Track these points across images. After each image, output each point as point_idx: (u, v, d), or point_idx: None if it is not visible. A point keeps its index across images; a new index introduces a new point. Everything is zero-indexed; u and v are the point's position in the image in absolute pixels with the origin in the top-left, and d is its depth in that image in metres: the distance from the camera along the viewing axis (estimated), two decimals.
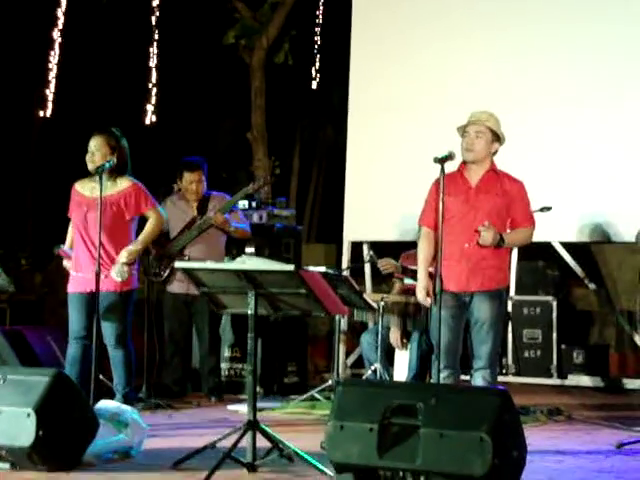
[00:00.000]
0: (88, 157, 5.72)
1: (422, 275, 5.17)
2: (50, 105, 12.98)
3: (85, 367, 5.65)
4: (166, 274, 6.76)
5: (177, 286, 6.79)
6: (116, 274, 5.56)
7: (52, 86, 12.72)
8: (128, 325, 5.77)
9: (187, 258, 6.69)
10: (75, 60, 13.33)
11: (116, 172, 5.68)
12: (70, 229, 5.95)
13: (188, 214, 6.89)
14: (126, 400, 5.60)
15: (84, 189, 5.80)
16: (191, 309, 6.88)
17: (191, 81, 16.06)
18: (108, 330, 5.67)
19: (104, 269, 5.56)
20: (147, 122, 13.11)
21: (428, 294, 5.14)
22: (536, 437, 5.18)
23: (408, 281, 6.81)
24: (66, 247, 5.88)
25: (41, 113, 13.20)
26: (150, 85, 13.34)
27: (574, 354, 7.83)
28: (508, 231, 5.23)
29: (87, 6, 12.54)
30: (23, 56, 14.94)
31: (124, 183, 5.74)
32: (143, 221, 5.88)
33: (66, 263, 5.87)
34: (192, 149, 7.80)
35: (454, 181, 5.16)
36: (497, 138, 5.24)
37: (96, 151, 5.70)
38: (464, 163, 5.26)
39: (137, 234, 5.84)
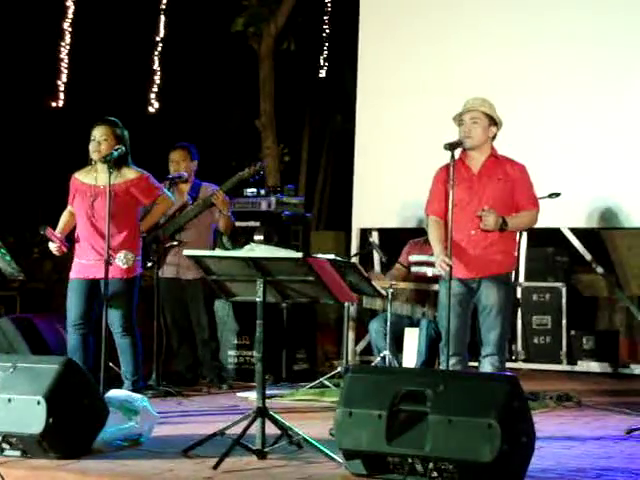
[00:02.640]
0: (93, 146, 5.73)
1: (439, 250, 5.17)
2: (62, 95, 12.99)
3: (86, 356, 5.66)
4: (155, 259, 6.63)
5: (168, 270, 6.76)
6: (121, 261, 5.59)
7: (63, 76, 12.72)
8: (134, 312, 5.78)
9: (177, 243, 6.65)
10: (82, 49, 13.32)
11: (120, 163, 5.68)
12: (64, 216, 5.91)
13: (178, 200, 6.84)
14: (135, 388, 5.63)
15: (87, 178, 5.81)
16: (185, 294, 6.87)
17: (199, 69, 16.03)
18: (114, 317, 5.68)
19: (109, 257, 5.57)
20: (152, 110, 13.11)
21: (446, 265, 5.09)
22: (545, 423, 5.19)
23: (415, 269, 6.82)
24: (56, 231, 5.84)
25: (53, 104, 13.21)
26: (156, 73, 13.33)
27: (583, 340, 7.82)
28: (513, 214, 5.23)
29: None
30: (32, 46, 14.94)
31: (130, 172, 5.76)
32: None
33: (51, 245, 5.80)
34: (201, 137, 7.81)
35: (456, 169, 5.16)
36: (493, 122, 5.24)
37: (103, 141, 5.71)
38: (464, 151, 5.26)
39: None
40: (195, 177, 6.96)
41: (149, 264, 6.51)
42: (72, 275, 5.81)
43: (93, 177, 5.77)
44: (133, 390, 5.51)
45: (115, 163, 5.63)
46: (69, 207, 5.92)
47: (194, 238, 6.69)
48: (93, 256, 5.64)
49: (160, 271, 6.73)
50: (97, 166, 5.73)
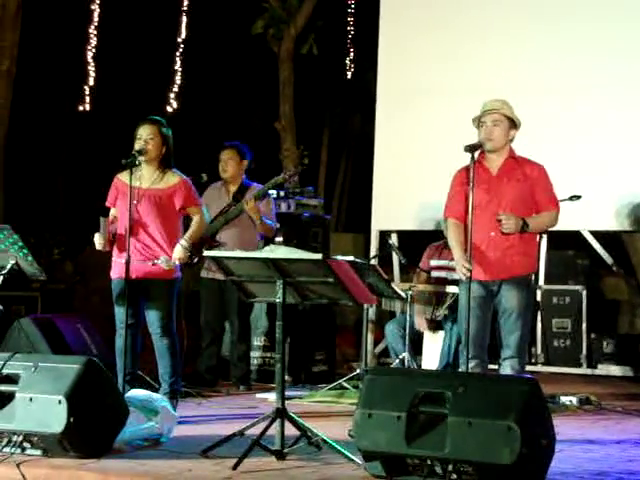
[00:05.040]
0: (140, 146, 5.55)
1: (459, 254, 5.17)
2: (88, 99, 13.07)
3: (135, 357, 5.61)
4: (197, 260, 6.67)
5: (207, 271, 6.81)
6: (163, 262, 5.56)
7: (91, 79, 12.79)
8: (173, 313, 5.68)
9: (217, 244, 6.71)
10: (106, 52, 13.41)
11: (164, 165, 5.62)
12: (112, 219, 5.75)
13: (224, 200, 6.91)
14: (172, 390, 5.57)
15: (130, 181, 5.56)
16: (224, 296, 6.90)
17: (220, 71, 16.08)
18: (154, 318, 5.60)
19: (152, 257, 5.57)
20: (173, 111, 13.17)
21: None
22: (565, 426, 5.16)
23: (436, 274, 6.81)
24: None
25: (80, 108, 13.28)
26: (178, 75, 13.39)
27: (604, 343, 7.79)
28: (533, 215, 5.21)
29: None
30: (58, 50, 15.06)
31: (174, 177, 5.66)
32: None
33: (98, 237, 5.54)
34: (221, 139, 7.82)
35: (475, 171, 5.13)
36: (513, 124, 5.23)
37: (150, 140, 5.57)
38: (482, 153, 5.25)
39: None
40: (246, 177, 6.98)
41: (195, 259, 6.47)
42: (114, 275, 5.68)
43: (136, 179, 5.58)
44: (170, 393, 5.51)
45: (158, 167, 5.60)
46: (113, 210, 5.75)
47: (234, 239, 6.72)
48: (136, 257, 5.55)
49: (203, 273, 6.80)
50: (142, 168, 5.60)
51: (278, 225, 7.00)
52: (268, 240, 6.85)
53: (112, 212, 5.77)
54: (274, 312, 7.06)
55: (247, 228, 6.82)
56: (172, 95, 13.21)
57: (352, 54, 14.27)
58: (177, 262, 5.58)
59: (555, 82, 7.57)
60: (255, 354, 7.28)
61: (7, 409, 4.36)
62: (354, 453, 4.13)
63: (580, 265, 8.29)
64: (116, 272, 5.64)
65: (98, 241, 5.57)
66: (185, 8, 12.71)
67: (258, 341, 7.31)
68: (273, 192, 7.60)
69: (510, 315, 5.18)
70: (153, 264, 5.53)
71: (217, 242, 6.75)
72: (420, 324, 6.64)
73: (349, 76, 14.58)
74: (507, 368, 5.19)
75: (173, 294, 5.66)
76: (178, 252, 5.58)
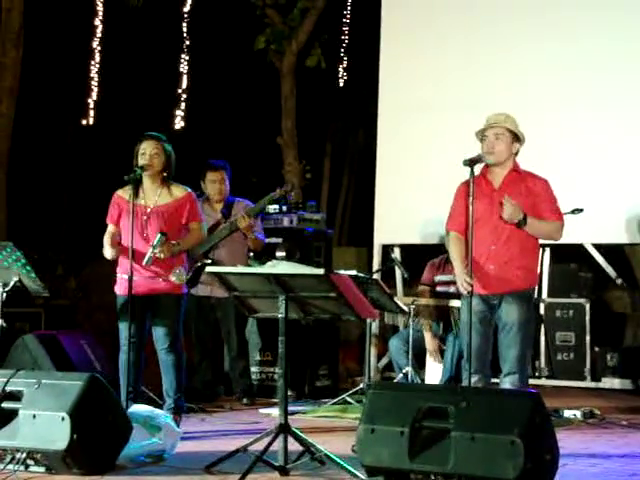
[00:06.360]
0: (145, 160, 5.51)
1: (460, 269, 5.17)
2: (92, 113, 13.10)
3: (139, 373, 5.59)
4: (188, 277, 6.65)
5: (201, 289, 6.80)
6: (175, 276, 5.55)
7: (94, 94, 12.83)
8: (180, 328, 5.66)
9: (210, 262, 6.69)
10: (109, 67, 13.46)
11: (168, 180, 5.62)
12: (112, 236, 5.66)
13: (212, 217, 6.91)
14: (177, 406, 5.57)
15: (133, 197, 5.57)
16: (217, 313, 6.91)
17: (222, 86, 16.13)
18: (160, 333, 5.58)
19: (163, 272, 5.57)
20: (177, 127, 13.20)
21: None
22: (569, 440, 5.16)
23: (441, 289, 6.81)
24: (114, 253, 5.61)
25: (84, 122, 13.31)
26: (180, 91, 13.43)
27: (608, 357, 7.78)
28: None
29: (120, 14, 12.66)
30: (60, 65, 15.12)
31: (178, 190, 5.64)
32: None
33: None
34: (222, 154, 7.83)
35: (478, 184, 5.14)
36: (517, 138, 5.24)
37: (155, 155, 5.53)
38: (486, 166, 5.26)
39: None
40: (233, 194, 7.01)
41: (189, 275, 6.45)
42: (120, 291, 5.63)
43: (142, 196, 5.59)
44: (175, 408, 5.51)
45: (163, 182, 5.59)
46: (111, 227, 5.69)
47: (228, 256, 6.73)
48: (145, 273, 5.54)
49: (194, 289, 6.75)
50: (144, 184, 5.61)
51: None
52: (265, 255, 6.85)
53: (110, 229, 5.72)
54: (265, 329, 7.19)
55: (238, 244, 6.84)
56: (180, 112, 13.24)
57: (345, 64, 14.34)
58: (162, 255, 5.49)
59: (557, 96, 7.58)
60: (254, 369, 7.28)
61: (10, 426, 4.37)
62: (357, 468, 4.13)
63: (583, 278, 8.28)
64: (121, 289, 5.62)
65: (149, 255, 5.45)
66: (187, 24, 12.76)
67: (256, 356, 7.31)
68: (276, 207, 7.62)
69: (510, 330, 5.17)
70: (165, 280, 5.53)
71: (211, 259, 6.72)
72: (433, 349, 6.62)
73: (341, 84, 14.64)
74: (507, 385, 5.17)
75: (180, 310, 5.65)
76: (166, 246, 5.45)
